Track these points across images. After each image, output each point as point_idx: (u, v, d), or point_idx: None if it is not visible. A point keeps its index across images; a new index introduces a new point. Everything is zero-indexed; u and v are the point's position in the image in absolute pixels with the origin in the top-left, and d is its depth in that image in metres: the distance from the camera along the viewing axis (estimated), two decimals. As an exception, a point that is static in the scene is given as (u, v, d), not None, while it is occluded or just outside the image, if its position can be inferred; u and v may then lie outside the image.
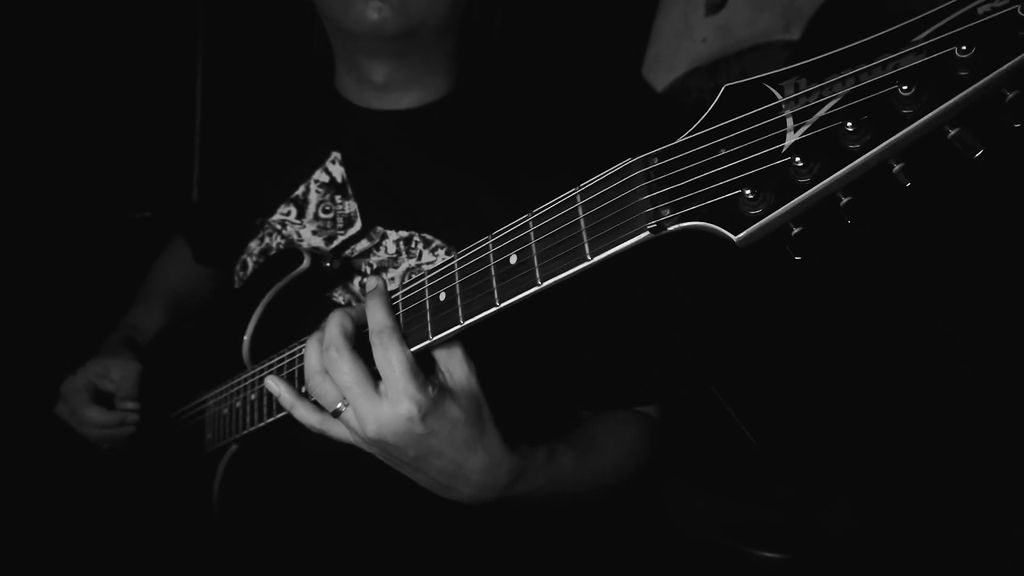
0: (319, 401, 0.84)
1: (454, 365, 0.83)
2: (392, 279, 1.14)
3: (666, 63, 2.28)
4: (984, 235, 1.42)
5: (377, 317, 0.80)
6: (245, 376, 1.14)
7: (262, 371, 1.09)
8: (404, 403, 0.78)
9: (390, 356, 0.78)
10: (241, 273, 1.28)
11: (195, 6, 2.20)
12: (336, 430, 0.86)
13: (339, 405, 0.82)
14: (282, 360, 1.05)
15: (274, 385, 0.90)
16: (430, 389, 0.79)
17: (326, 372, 0.82)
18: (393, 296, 0.86)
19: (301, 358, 1.00)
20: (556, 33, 2.18)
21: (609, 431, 1.08)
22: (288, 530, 1.17)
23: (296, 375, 1.01)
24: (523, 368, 1.09)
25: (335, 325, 0.82)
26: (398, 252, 1.14)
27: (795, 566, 1.56)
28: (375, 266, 1.15)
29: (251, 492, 1.21)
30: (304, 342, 1.00)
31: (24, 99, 1.98)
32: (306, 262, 1.13)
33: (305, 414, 0.88)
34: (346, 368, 0.79)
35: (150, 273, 1.56)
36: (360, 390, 0.79)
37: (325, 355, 0.81)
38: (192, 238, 1.51)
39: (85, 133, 2.07)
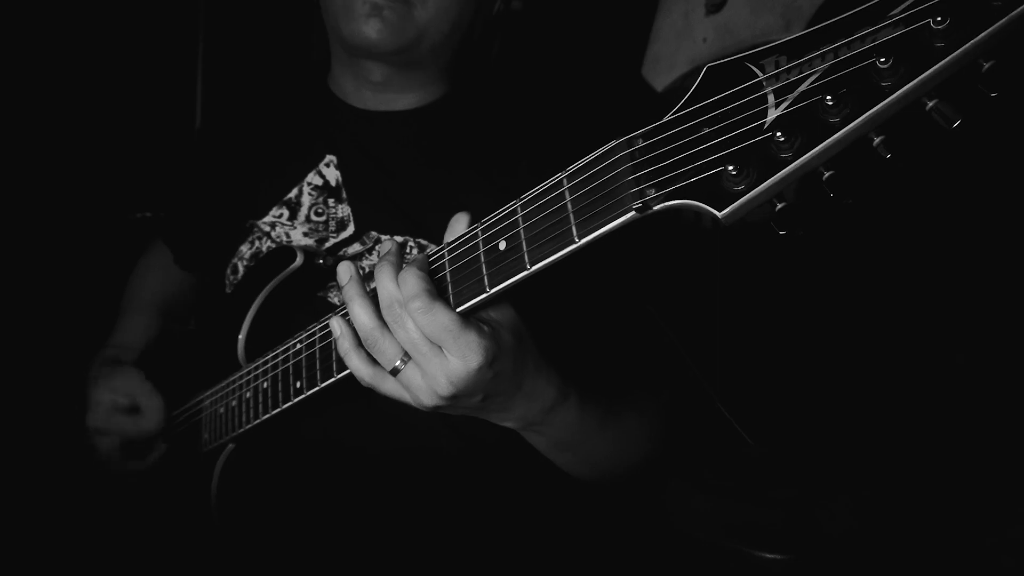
0: (378, 358, 0.81)
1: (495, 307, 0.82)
2: None
3: (666, 63, 2.28)
4: (972, 219, 1.41)
5: (411, 283, 0.77)
6: (240, 375, 1.14)
7: (257, 369, 1.10)
8: (470, 355, 0.75)
9: (439, 316, 0.75)
10: (232, 277, 1.27)
11: (195, 6, 2.21)
12: (387, 386, 0.84)
13: (398, 363, 0.80)
14: (276, 356, 1.05)
15: (337, 326, 0.86)
16: (487, 329, 0.78)
17: (386, 328, 0.79)
18: None
19: (296, 352, 1.00)
20: (555, 33, 2.19)
21: (631, 399, 1.08)
22: (285, 529, 1.17)
23: (291, 369, 1.01)
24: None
25: (416, 278, 0.77)
26: None
27: (796, 567, 1.55)
28: (367, 270, 1.15)
29: (248, 491, 1.21)
30: (297, 337, 1.01)
31: (24, 99, 1.98)
32: (299, 259, 1.13)
33: (358, 364, 0.84)
34: (427, 320, 0.75)
35: (128, 286, 1.54)
36: (427, 347, 0.77)
37: (407, 307, 0.76)
38: (174, 243, 1.49)
39: (85, 133, 2.07)
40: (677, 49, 2.26)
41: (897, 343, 1.65)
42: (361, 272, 1.15)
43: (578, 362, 1.08)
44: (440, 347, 0.77)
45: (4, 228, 1.96)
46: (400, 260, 0.82)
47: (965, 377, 1.55)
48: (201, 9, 2.20)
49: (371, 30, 1.10)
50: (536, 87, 1.34)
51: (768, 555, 1.56)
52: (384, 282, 0.79)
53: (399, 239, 1.15)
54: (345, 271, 0.85)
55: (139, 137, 2.13)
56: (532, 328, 0.85)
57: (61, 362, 1.73)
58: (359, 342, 0.84)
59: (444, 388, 0.77)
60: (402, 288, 0.77)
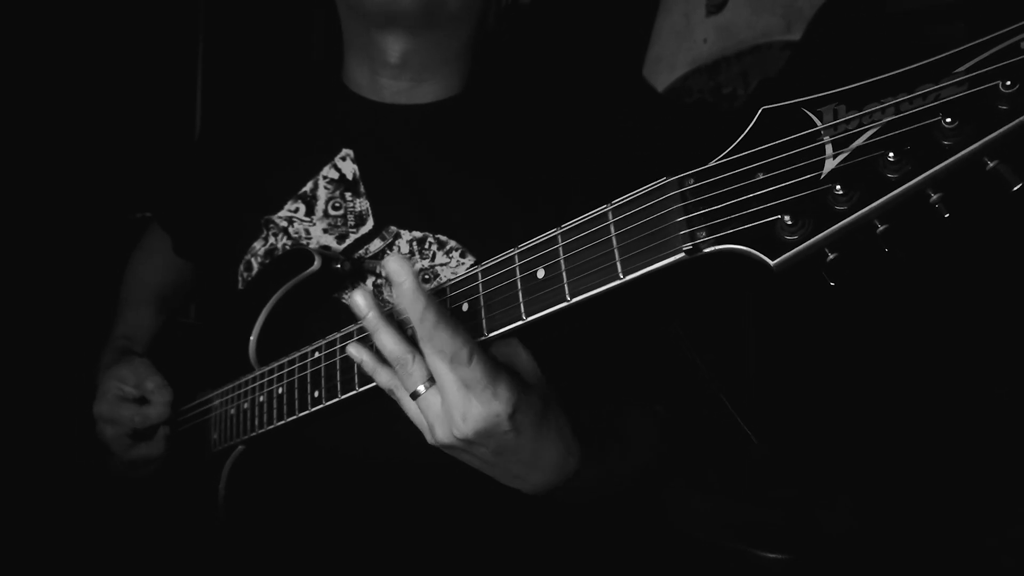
0: (404, 381, 0.81)
1: (519, 358, 0.82)
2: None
3: (667, 63, 2.29)
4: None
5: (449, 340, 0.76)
6: (253, 377, 1.13)
7: (272, 374, 1.09)
8: (494, 403, 0.76)
9: (475, 370, 0.75)
10: (245, 274, 1.25)
11: (195, 6, 2.19)
12: (407, 404, 0.84)
13: (420, 387, 0.80)
14: (292, 363, 1.04)
15: (356, 352, 0.86)
16: (515, 383, 0.77)
17: (416, 352, 0.78)
18: None
19: (315, 361, 1.00)
20: (556, 33, 2.18)
21: (636, 425, 1.09)
22: (294, 531, 1.17)
23: (309, 377, 1.00)
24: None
25: (455, 337, 0.75)
26: (411, 252, 1.13)
27: (796, 567, 1.58)
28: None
29: (258, 493, 1.20)
30: (316, 345, 1.00)
31: (25, 99, 1.96)
32: (317, 263, 1.11)
33: (387, 379, 0.85)
34: (464, 372, 0.75)
35: (127, 276, 1.52)
36: (455, 386, 0.76)
37: (426, 327, 0.74)
38: (175, 230, 1.46)
39: (86, 133, 2.05)
40: (678, 50, 2.26)
41: (899, 344, 1.67)
42: (380, 271, 1.16)
43: (600, 398, 1.09)
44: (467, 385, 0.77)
45: (4, 228, 1.94)
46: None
47: (967, 380, 1.57)
48: (201, 9, 2.17)
49: None
50: (545, 91, 1.33)
51: (768, 555, 1.59)
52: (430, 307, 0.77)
53: (418, 234, 1.14)
54: (362, 302, 0.82)
55: (139, 137, 2.11)
56: (555, 372, 0.85)
57: (63, 362, 1.72)
58: (381, 359, 0.84)
59: (460, 427, 0.78)
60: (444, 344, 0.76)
